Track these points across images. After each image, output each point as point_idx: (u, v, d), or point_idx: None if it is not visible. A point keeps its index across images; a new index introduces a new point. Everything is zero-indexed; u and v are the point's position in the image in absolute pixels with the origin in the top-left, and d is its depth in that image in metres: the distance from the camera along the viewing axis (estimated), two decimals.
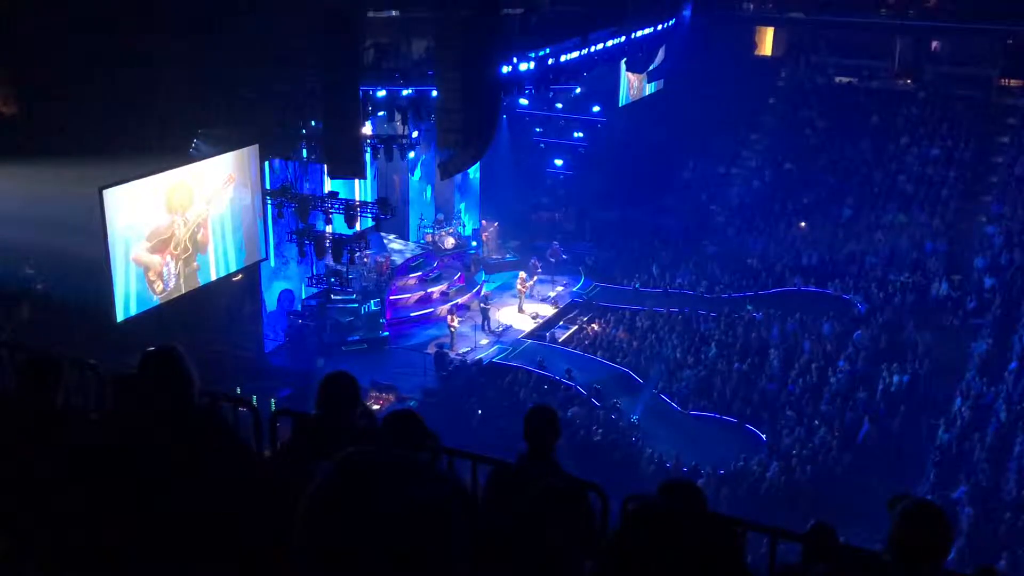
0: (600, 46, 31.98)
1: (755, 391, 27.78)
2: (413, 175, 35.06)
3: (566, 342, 32.00)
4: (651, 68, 38.60)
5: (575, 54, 30.60)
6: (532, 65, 28.89)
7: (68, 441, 4.53)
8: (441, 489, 2.10)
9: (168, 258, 22.25)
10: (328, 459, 2.13)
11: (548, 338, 31.97)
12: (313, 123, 26.18)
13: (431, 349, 30.41)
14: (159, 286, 22.08)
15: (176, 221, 22.30)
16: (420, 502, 2.05)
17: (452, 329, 30.91)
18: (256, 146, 24.22)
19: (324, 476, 2.12)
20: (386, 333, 30.69)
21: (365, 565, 2.03)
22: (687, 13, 37.39)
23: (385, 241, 32.76)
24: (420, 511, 2.04)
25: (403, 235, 34.74)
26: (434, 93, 25.54)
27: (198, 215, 22.87)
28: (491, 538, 4.32)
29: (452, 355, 29.88)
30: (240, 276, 25.68)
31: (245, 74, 22.31)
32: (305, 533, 2.10)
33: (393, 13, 28.38)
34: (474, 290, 33.91)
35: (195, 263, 23.09)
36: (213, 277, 23.93)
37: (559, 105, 38.42)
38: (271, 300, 29.02)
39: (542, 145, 39.53)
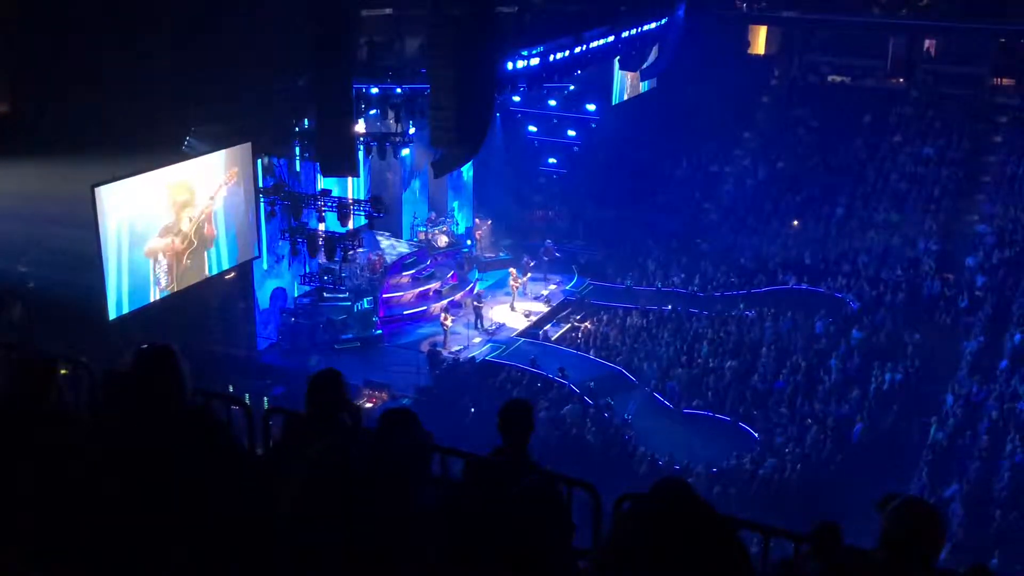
0: (593, 44, 31.98)
1: (748, 390, 27.82)
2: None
3: (559, 340, 32.01)
4: (644, 66, 38.62)
5: (569, 52, 30.58)
6: (526, 63, 28.89)
7: (62, 440, 4.53)
8: (412, 486, 2.15)
9: (161, 256, 22.22)
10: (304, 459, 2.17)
11: (541, 336, 31.97)
12: (306, 121, 26.15)
13: (424, 347, 30.40)
14: (152, 284, 22.07)
15: (171, 218, 22.25)
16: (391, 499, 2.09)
17: (445, 327, 30.90)
18: (249, 144, 24.18)
19: (300, 476, 2.16)
20: (379, 331, 30.68)
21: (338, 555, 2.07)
22: (680, 12, 37.40)
23: (378, 239, 32.73)
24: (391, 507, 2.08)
25: (396, 233, 34.71)
26: (428, 91, 25.54)
27: (204, 214, 22.90)
28: (467, 535, 4.32)
29: (445, 353, 29.87)
30: (233, 274, 25.64)
31: (238, 72, 22.25)
32: (285, 530, 2.15)
33: (387, 11, 28.33)
34: (467, 288, 33.90)
35: (190, 261, 23.03)
36: (207, 274, 23.91)
37: (552, 103, 38.40)
38: (264, 298, 28.98)
39: (535, 143, 39.52)
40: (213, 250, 23.73)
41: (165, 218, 22.09)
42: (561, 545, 5.45)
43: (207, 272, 23.81)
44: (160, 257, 22.14)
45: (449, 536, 4.18)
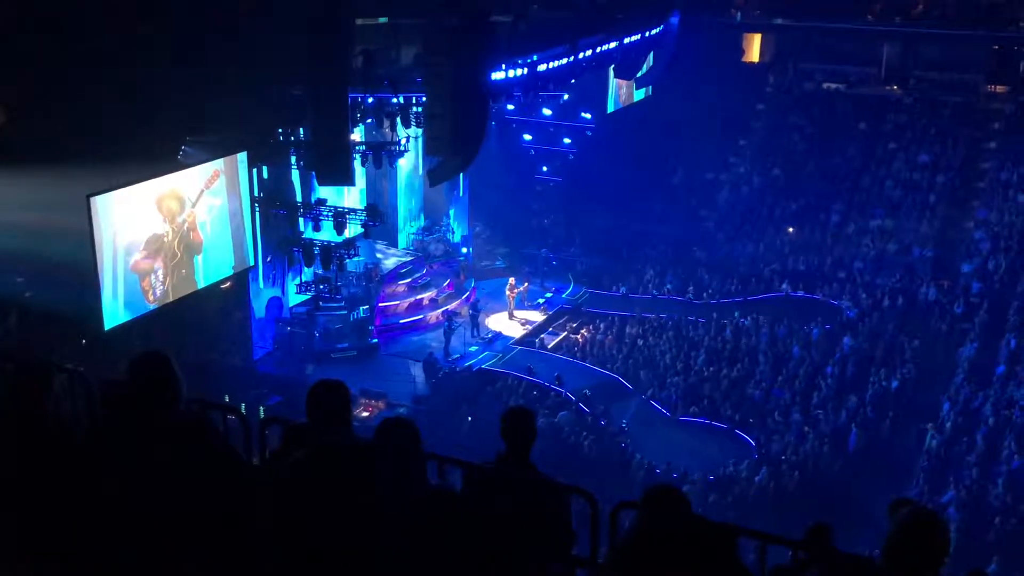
0: (588, 53, 32.00)
1: (744, 397, 27.81)
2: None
3: (555, 348, 32.00)
4: (639, 75, 38.67)
5: (564, 61, 30.61)
6: (521, 72, 28.90)
7: (58, 448, 4.52)
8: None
9: (156, 266, 22.20)
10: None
11: (538, 344, 31.96)
12: (302, 130, 26.14)
13: (422, 356, 30.34)
14: (148, 295, 22.02)
15: (166, 228, 22.25)
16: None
17: (459, 321, 31.11)
18: (245, 153, 24.17)
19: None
20: (375, 340, 30.63)
21: None
22: (675, 20, 37.45)
23: (374, 248, 32.72)
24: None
25: (392, 242, 34.71)
26: (423, 100, 25.55)
27: (187, 219, 22.82)
28: (470, 539, 4.31)
29: (442, 362, 29.85)
30: (228, 284, 25.60)
31: (234, 81, 22.26)
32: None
33: (382, 20, 28.35)
34: (463, 296, 33.89)
35: (184, 270, 23.02)
36: (202, 284, 23.87)
37: (548, 112, 38.46)
38: (259, 307, 28.92)
39: (531, 152, 39.56)
40: (202, 258, 23.64)
41: (158, 228, 22.05)
42: (563, 553, 5.44)
43: (200, 282, 23.75)
44: (152, 268, 22.09)
45: (450, 543, 4.17)
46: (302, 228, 27.53)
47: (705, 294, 33.85)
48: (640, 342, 31.23)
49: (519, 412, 5.77)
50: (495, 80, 27.28)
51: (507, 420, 5.65)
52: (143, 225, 21.63)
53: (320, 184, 26.54)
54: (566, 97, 37.47)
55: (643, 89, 39.92)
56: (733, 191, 39.87)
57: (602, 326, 32.96)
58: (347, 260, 27.93)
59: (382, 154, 27.52)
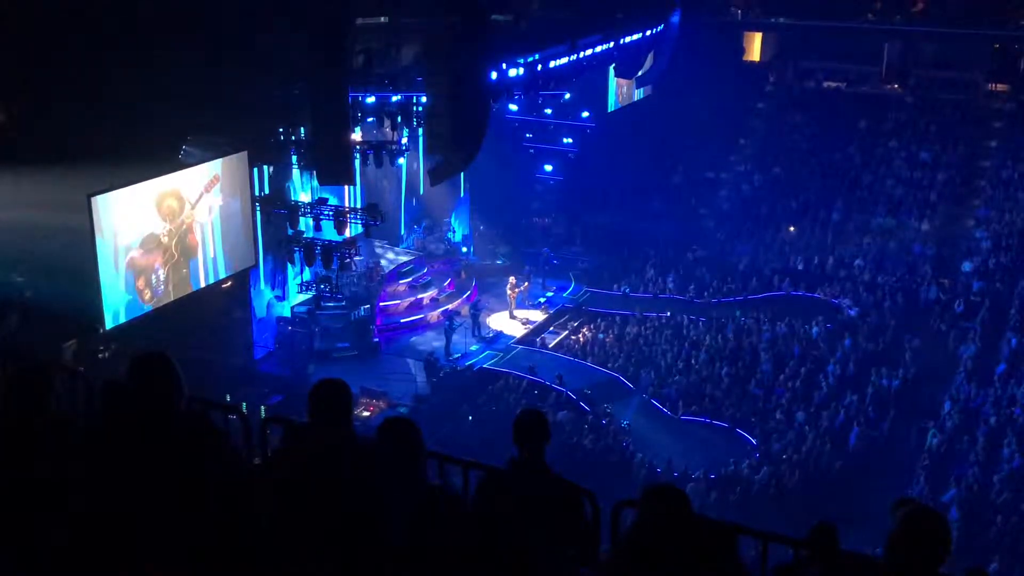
0: (589, 52, 32.00)
1: (745, 395, 27.81)
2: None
3: (557, 347, 32.00)
4: (640, 74, 38.67)
5: (564, 60, 30.62)
6: (521, 71, 28.91)
7: (59, 450, 4.52)
8: None
9: (157, 265, 22.19)
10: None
11: (539, 343, 31.96)
12: (302, 129, 26.14)
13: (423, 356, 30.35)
14: (148, 294, 22.00)
15: (166, 228, 22.23)
16: None
17: (462, 318, 31.24)
18: (245, 152, 24.15)
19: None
20: (376, 339, 30.63)
21: None
22: (675, 19, 37.46)
23: (375, 248, 32.71)
24: None
25: (393, 241, 34.69)
26: (424, 99, 25.54)
27: (185, 221, 22.81)
28: (485, 543, 4.31)
29: (443, 361, 29.85)
30: (229, 283, 25.60)
31: (234, 80, 22.25)
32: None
33: (382, 19, 28.35)
34: (464, 296, 33.88)
35: (184, 270, 23.01)
36: (203, 284, 23.85)
37: (548, 111, 38.46)
38: (260, 307, 28.92)
39: (532, 151, 39.56)
40: (203, 258, 23.60)
41: (158, 228, 22.05)
42: (589, 554, 5.45)
43: (201, 281, 23.70)
44: (153, 268, 22.08)
45: (453, 542, 4.17)
46: (303, 228, 27.53)
47: (706, 293, 33.85)
48: (641, 341, 31.23)
49: (531, 414, 5.76)
50: (495, 79, 27.28)
51: (520, 424, 5.64)
52: (144, 225, 21.61)
53: (320, 184, 26.52)
54: (567, 96, 37.47)
55: (643, 88, 39.93)
56: (734, 190, 39.87)
57: (603, 325, 32.97)
58: (348, 259, 27.92)
59: (383, 153, 27.51)
